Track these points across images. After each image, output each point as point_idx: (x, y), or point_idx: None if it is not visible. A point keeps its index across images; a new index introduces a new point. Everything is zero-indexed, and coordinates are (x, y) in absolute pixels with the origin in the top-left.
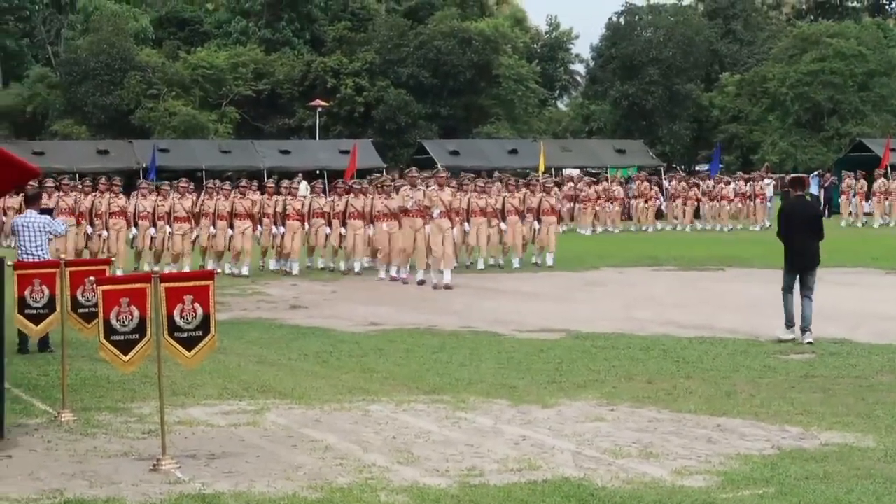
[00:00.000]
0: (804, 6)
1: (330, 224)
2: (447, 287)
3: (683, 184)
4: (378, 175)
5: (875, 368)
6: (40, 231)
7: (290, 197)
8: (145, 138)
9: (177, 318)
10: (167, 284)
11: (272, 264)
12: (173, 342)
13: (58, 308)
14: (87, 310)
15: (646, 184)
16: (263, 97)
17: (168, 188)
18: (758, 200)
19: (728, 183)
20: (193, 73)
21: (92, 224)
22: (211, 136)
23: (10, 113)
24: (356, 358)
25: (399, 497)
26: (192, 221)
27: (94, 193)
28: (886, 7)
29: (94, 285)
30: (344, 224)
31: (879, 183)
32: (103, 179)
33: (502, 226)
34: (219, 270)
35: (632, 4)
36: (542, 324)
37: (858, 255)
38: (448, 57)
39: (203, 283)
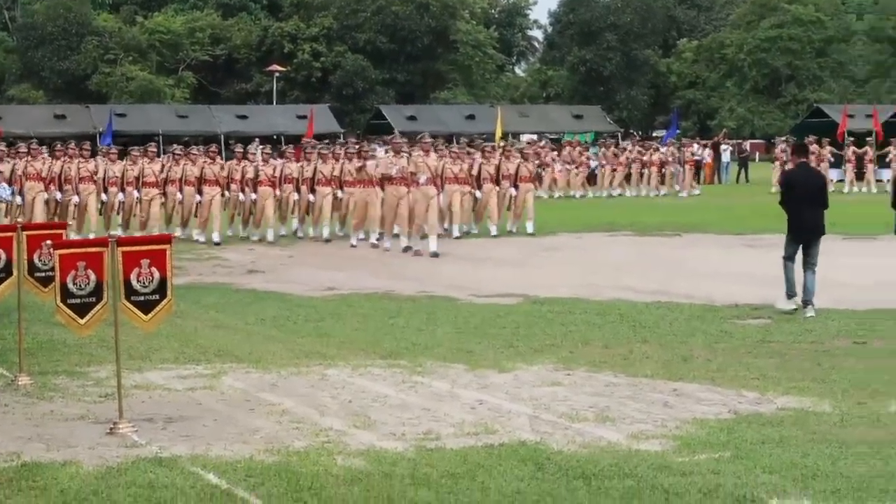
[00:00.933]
0: None
1: (298, 190)
2: (434, 255)
3: (613, 150)
4: (353, 140)
5: (831, 334)
6: None
7: (262, 163)
8: (102, 103)
9: (133, 282)
10: (124, 248)
11: (241, 232)
12: (130, 306)
13: (14, 272)
14: (43, 273)
15: (578, 149)
16: (220, 62)
17: (138, 153)
18: (687, 167)
19: (657, 149)
20: (150, 38)
21: (61, 189)
22: (168, 101)
23: None
24: (313, 322)
25: (355, 461)
26: (161, 187)
27: (63, 158)
28: None
29: (51, 249)
30: (312, 190)
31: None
32: (72, 144)
33: (477, 193)
34: (182, 236)
35: None
36: (500, 289)
37: None
38: (405, 22)
39: (160, 246)
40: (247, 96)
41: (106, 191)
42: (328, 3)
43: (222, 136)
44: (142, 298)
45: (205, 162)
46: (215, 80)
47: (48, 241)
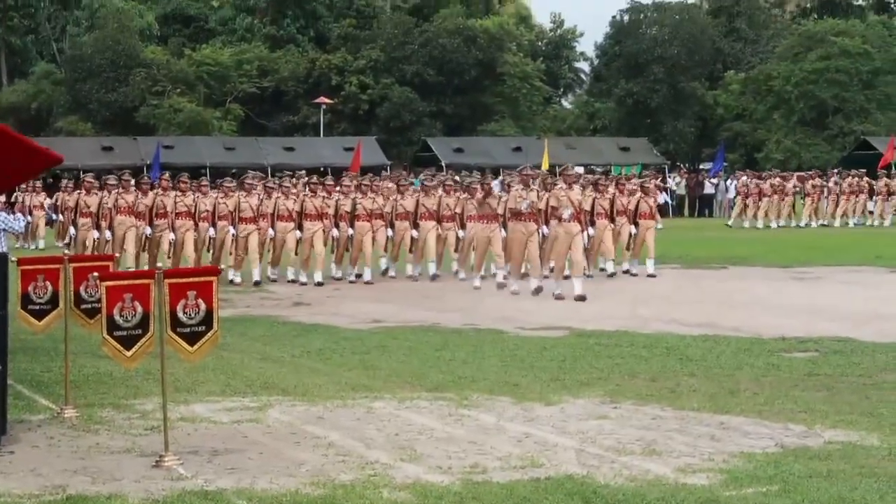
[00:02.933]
0: (808, 4)
1: (391, 226)
2: (581, 298)
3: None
4: (467, 173)
5: (879, 367)
6: None
7: (359, 195)
8: (150, 135)
9: (180, 314)
10: (171, 280)
11: (334, 271)
12: (176, 337)
13: (61, 304)
14: (89, 305)
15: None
16: (268, 94)
17: (230, 184)
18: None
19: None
20: (198, 70)
21: (151, 224)
22: (215, 133)
23: (15, 109)
24: (359, 355)
25: (402, 494)
26: (259, 222)
27: (154, 191)
28: (892, 5)
29: (98, 281)
30: (415, 226)
31: (883, 182)
32: (166, 175)
33: (590, 231)
34: (273, 277)
35: (637, 2)
36: (546, 321)
37: (862, 254)
38: (453, 55)
39: (207, 278)
40: (294, 128)
41: (196, 226)
42: (375, 35)
43: (269, 169)
44: (188, 330)
45: (305, 195)
46: (262, 113)
47: (95, 273)
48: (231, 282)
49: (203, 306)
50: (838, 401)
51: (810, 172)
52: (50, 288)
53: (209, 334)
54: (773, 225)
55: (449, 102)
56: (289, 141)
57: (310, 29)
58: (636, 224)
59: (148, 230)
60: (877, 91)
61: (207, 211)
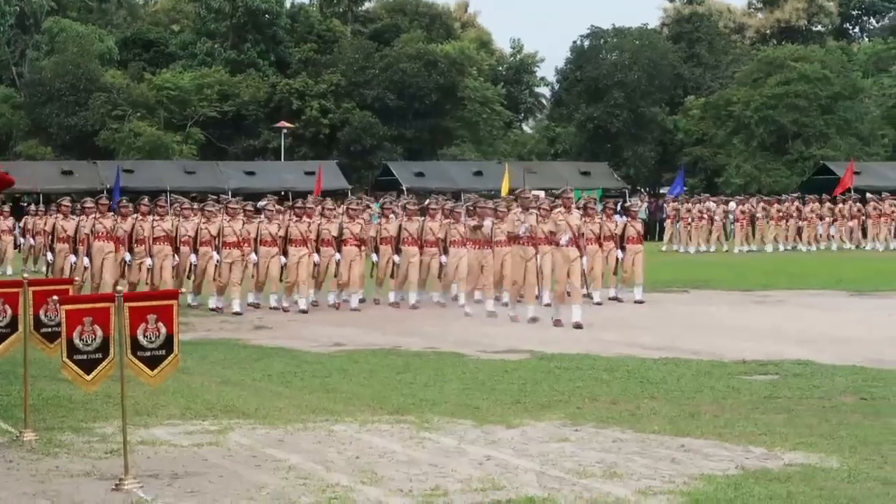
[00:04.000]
0: (768, 30)
1: (377, 250)
2: (578, 326)
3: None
4: (471, 196)
5: (839, 390)
6: None
7: (346, 219)
8: (110, 159)
9: (140, 338)
10: (131, 304)
11: (331, 298)
12: (136, 361)
13: (20, 327)
14: (49, 329)
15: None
16: (228, 118)
17: (213, 208)
18: None
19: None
20: (158, 94)
21: (131, 251)
22: (175, 157)
23: None
24: (320, 378)
25: None
26: (244, 247)
27: (134, 216)
28: (850, 31)
29: (58, 304)
30: (398, 251)
31: (841, 207)
32: (145, 200)
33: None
34: (262, 304)
35: (597, 27)
36: (508, 345)
37: (823, 278)
38: (413, 79)
39: (167, 302)
40: (255, 152)
41: (177, 251)
42: (336, 59)
43: (230, 193)
44: (148, 354)
45: (290, 220)
46: (223, 137)
47: (54, 297)
48: (212, 309)
49: (163, 330)
50: (798, 423)
51: (740, 198)
52: (9, 311)
53: (169, 358)
54: (691, 250)
55: (409, 127)
56: (250, 165)
57: (270, 53)
58: (623, 248)
59: (128, 256)
60: (836, 116)
61: (189, 236)
